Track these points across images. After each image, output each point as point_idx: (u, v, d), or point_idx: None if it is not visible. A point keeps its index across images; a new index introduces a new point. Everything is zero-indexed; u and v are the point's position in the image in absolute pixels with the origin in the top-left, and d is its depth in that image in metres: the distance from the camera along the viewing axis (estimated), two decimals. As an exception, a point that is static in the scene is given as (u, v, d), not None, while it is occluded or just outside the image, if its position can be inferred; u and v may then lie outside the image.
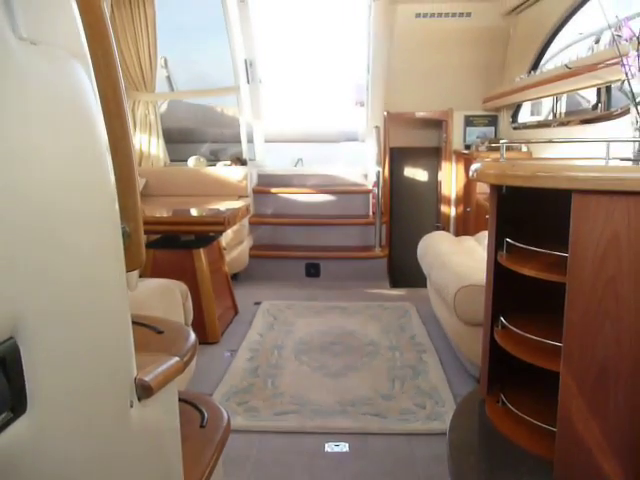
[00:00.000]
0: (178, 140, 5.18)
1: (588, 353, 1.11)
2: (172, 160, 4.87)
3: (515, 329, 1.32)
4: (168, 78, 5.35)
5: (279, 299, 3.69)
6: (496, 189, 1.39)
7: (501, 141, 1.38)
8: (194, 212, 3.32)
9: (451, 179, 4.46)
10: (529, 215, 1.39)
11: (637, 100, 1.30)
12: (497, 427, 1.35)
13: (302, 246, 4.30)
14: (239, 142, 4.79)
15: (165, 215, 3.18)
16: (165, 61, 5.24)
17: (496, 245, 1.41)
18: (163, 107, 5.25)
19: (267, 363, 2.66)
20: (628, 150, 1.35)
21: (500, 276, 1.41)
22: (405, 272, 4.34)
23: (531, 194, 1.23)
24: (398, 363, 2.64)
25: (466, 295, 2.27)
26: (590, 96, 3.37)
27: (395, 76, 4.35)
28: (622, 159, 1.32)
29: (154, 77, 4.62)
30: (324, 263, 4.18)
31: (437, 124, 4.57)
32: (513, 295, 1.42)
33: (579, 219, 1.10)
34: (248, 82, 4.55)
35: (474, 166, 1.37)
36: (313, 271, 4.19)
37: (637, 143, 1.30)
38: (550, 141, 3.04)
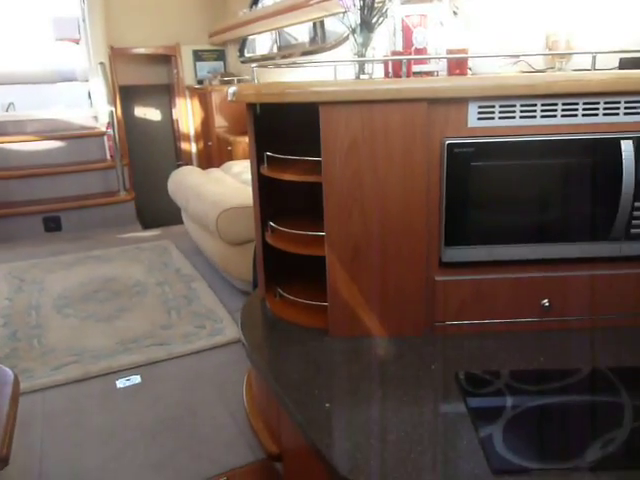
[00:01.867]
0: None
1: (344, 235, 1.38)
2: None
3: (284, 229, 1.54)
4: None
5: (19, 260, 3.33)
6: (252, 109, 1.54)
7: (252, 65, 1.52)
8: None
9: (187, 116, 4.50)
10: (290, 130, 1.58)
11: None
12: (280, 315, 1.58)
13: (35, 200, 3.88)
14: None
15: None
16: None
17: (258, 160, 1.58)
18: None
19: (26, 325, 2.44)
20: (349, 73, 1.64)
21: (265, 187, 1.60)
22: (154, 213, 4.32)
23: (288, 111, 1.41)
24: (170, 296, 2.71)
25: (227, 218, 2.44)
26: (297, 34, 3.74)
27: (116, 7, 4.09)
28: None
29: None
30: (65, 215, 3.87)
31: (166, 60, 4.49)
32: (281, 204, 1.64)
33: (326, 127, 1.33)
34: None
35: (231, 89, 1.48)
36: (53, 225, 3.85)
37: (357, 64, 1.59)
38: (294, 63, 3.28)
